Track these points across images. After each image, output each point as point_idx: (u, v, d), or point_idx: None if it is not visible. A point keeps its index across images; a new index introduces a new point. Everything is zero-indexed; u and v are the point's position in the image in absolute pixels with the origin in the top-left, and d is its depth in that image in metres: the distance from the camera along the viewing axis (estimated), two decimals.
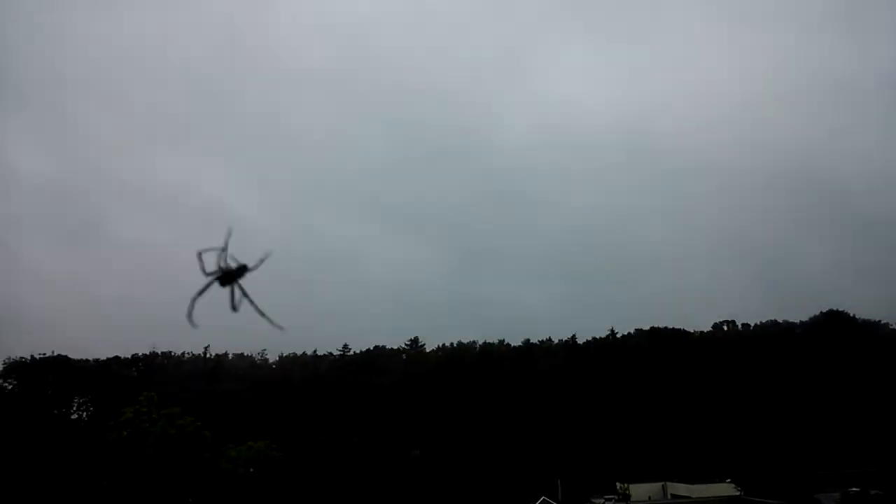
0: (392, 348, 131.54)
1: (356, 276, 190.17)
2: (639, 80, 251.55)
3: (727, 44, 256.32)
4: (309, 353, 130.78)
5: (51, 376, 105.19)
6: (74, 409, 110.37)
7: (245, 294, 5.19)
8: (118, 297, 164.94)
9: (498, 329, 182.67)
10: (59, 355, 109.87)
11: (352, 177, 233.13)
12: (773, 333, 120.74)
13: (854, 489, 75.20)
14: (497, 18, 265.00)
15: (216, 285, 5.19)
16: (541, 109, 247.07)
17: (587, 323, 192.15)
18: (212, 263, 5.25)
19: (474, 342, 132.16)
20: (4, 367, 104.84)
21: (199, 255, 5.20)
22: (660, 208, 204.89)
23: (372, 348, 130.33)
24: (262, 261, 5.30)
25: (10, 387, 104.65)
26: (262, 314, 5.20)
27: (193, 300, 5.17)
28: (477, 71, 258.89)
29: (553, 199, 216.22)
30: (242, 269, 5.24)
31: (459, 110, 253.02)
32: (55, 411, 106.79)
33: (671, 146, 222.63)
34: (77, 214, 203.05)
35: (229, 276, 5.16)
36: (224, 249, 5.17)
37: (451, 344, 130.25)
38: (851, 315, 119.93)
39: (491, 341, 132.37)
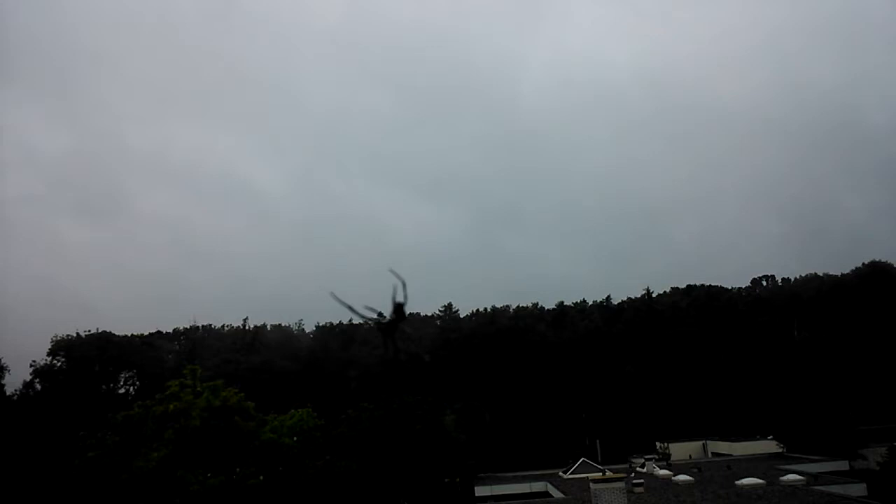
0: (426, 315, 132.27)
1: (381, 242, 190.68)
2: (661, 26, 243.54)
3: None
4: (345, 322, 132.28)
5: (97, 353, 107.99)
6: (121, 383, 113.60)
7: (400, 339, 5.14)
8: (153, 272, 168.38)
9: (531, 293, 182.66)
10: (103, 332, 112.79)
11: (367, 139, 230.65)
12: (815, 287, 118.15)
13: None
14: None
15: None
16: (560, 62, 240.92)
17: (621, 282, 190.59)
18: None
19: (507, 306, 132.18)
20: (53, 345, 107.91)
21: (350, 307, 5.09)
22: (689, 160, 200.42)
23: (406, 315, 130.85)
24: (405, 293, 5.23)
25: (58, 364, 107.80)
26: (412, 342, 5.17)
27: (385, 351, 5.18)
28: (491, 23, 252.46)
29: (577, 156, 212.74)
30: (400, 315, 5.19)
31: (474, 65, 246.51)
32: (103, 386, 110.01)
33: (696, 97, 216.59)
34: (98, 188, 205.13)
35: (391, 326, 5.15)
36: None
37: (485, 309, 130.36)
38: None
39: (524, 305, 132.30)
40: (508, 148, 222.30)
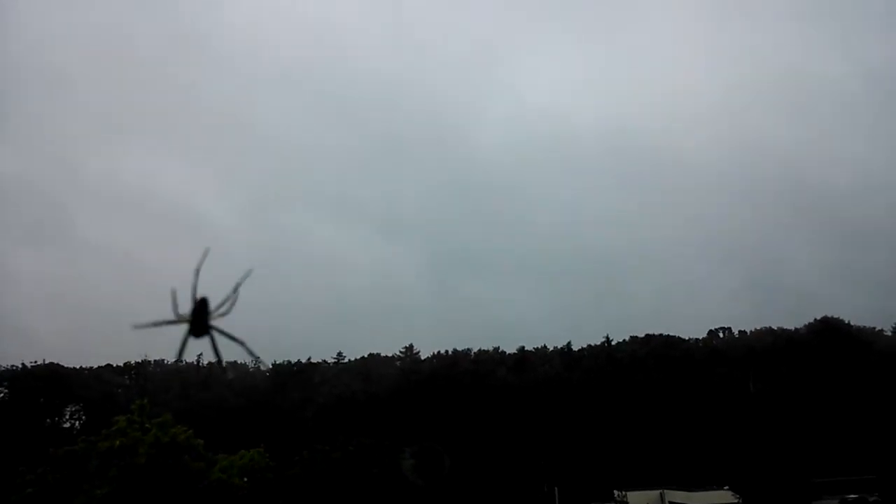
0: (387, 356, 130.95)
1: (338, 282, 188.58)
2: (619, 79, 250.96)
3: (710, 41, 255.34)
4: (303, 360, 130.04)
5: (43, 384, 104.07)
6: (67, 417, 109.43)
7: (221, 334, 4.70)
8: (101, 303, 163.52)
9: (491, 337, 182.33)
10: (50, 363, 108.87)
11: (324, 177, 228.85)
12: (770, 341, 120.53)
13: (852, 496, 75.10)
14: (472, 17, 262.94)
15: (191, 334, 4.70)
16: (519, 110, 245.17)
17: (581, 329, 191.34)
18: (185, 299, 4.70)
19: (469, 349, 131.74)
20: None
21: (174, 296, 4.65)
22: (646, 210, 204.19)
23: (366, 356, 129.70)
24: (241, 281, 4.79)
25: (1, 395, 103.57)
26: (243, 344, 4.78)
27: (179, 352, 4.77)
28: (452, 69, 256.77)
29: (535, 205, 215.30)
30: (203, 309, 4.67)
31: (436, 110, 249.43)
32: (47, 420, 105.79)
33: (653, 146, 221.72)
34: (42, 213, 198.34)
35: (199, 325, 4.64)
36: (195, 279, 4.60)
37: (447, 351, 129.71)
38: (847, 322, 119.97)
39: (485, 349, 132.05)
40: (466, 195, 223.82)
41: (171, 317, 4.61)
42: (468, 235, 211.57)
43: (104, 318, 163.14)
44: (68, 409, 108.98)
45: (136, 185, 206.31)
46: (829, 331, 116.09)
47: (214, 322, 4.72)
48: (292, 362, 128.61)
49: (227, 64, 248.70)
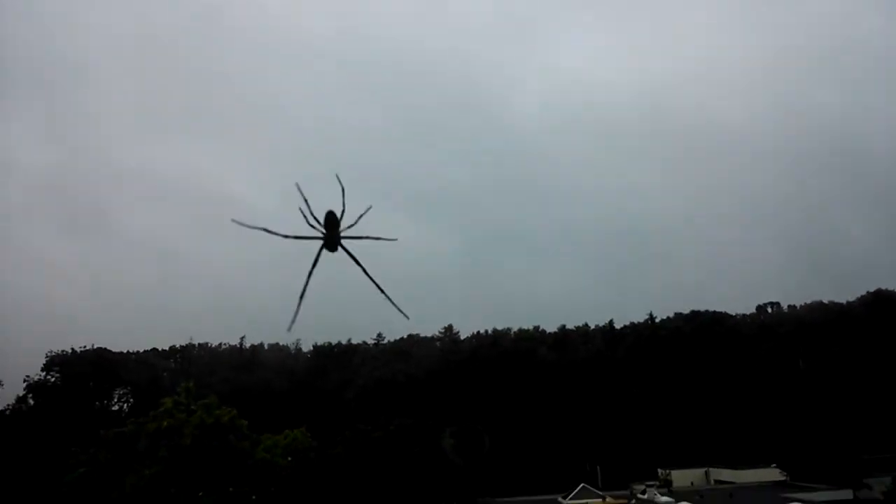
0: (426, 336, 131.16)
1: (379, 264, 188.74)
2: (659, 52, 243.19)
3: (755, 8, 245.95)
4: (343, 342, 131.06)
5: (91, 369, 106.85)
6: (115, 400, 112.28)
7: (364, 270, 4.57)
8: (146, 290, 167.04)
9: (531, 316, 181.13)
10: (98, 348, 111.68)
11: (358, 154, 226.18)
12: (820, 315, 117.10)
13: None
14: None
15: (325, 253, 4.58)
16: (555, 84, 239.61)
17: (624, 306, 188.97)
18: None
19: (509, 329, 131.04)
20: (47, 361, 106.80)
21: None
22: (688, 184, 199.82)
23: (406, 336, 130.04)
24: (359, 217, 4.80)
25: (52, 379, 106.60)
26: (382, 291, 4.64)
27: (305, 288, 4.60)
28: (485, 38, 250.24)
29: (575, 178, 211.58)
30: (334, 223, 4.59)
31: (470, 81, 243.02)
32: (96, 403, 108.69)
33: (696, 114, 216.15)
34: (84, 203, 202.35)
35: (332, 238, 4.54)
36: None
37: (486, 331, 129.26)
38: None
39: (526, 328, 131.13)
40: (503, 168, 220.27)
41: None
42: (504, 210, 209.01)
43: (149, 302, 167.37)
44: (117, 392, 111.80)
45: (170, 174, 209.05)
46: (881, 303, 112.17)
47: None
48: (332, 344, 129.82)
49: (251, 41, 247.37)
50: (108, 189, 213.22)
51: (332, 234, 4.73)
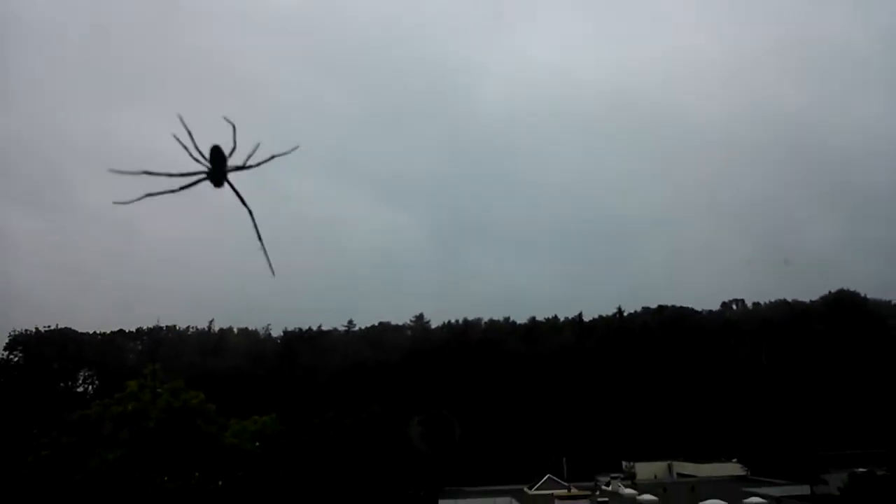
0: (397, 324, 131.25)
1: (342, 248, 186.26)
2: (626, 39, 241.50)
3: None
4: (314, 328, 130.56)
5: (56, 349, 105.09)
6: (80, 381, 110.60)
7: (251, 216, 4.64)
8: (110, 270, 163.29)
9: (502, 306, 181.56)
10: (63, 328, 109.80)
11: (326, 138, 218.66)
12: (784, 313, 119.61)
13: (861, 470, 74.89)
14: None
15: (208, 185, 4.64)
16: (526, 73, 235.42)
17: (593, 298, 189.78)
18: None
19: (479, 319, 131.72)
20: (10, 340, 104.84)
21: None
22: (655, 173, 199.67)
23: (377, 324, 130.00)
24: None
25: (15, 359, 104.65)
26: (261, 241, 4.69)
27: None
28: (458, 28, 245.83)
29: (544, 169, 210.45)
30: (220, 158, 4.64)
31: (437, 62, 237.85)
32: (61, 384, 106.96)
33: (661, 107, 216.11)
34: (41, 177, 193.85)
35: (218, 174, 4.61)
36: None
37: (457, 321, 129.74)
38: (862, 295, 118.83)
39: (496, 318, 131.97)
40: (473, 156, 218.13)
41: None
42: (472, 199, 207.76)
43: (115, 283, 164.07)
44: (81, 373, 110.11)
45: (131, 147, 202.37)
46: (842, 304, 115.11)
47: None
48: (303, 329, 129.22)
49: (219, 15, 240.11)
50: (60, 160, 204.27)
51: (218, 168, 4.66)
